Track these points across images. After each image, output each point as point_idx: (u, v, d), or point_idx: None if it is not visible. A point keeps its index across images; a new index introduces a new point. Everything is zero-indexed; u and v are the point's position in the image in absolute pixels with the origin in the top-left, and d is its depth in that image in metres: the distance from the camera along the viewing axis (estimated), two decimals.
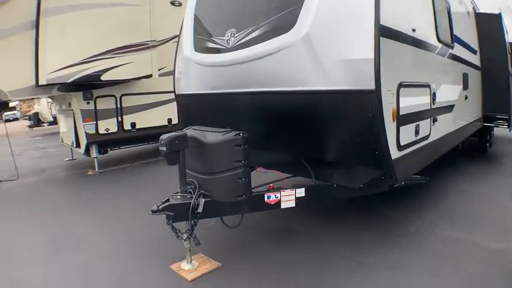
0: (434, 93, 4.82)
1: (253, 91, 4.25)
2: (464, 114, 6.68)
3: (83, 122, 8.71)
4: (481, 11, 7.84)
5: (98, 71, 8.07)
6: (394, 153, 3.66)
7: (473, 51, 7.18)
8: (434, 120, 4.88)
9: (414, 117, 4.21)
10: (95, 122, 8.86)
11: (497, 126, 8.38)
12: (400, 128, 3.78)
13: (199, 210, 3.71)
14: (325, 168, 4.42)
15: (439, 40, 4.99)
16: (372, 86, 3.29)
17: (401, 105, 3.78)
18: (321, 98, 3.71)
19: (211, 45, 4.54)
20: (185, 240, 3.83)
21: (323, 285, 3.56)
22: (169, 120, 9.99)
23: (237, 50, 4.17)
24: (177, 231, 3.81)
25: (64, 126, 10.03)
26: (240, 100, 4.49)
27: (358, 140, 3.66)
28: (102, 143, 9.27)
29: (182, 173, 3.79)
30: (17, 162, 9.26)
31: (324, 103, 3.74)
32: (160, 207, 3.65)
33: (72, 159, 11.00)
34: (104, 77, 8.22)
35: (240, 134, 3.82)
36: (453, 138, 6.17)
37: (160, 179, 7.21)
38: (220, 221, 4.17)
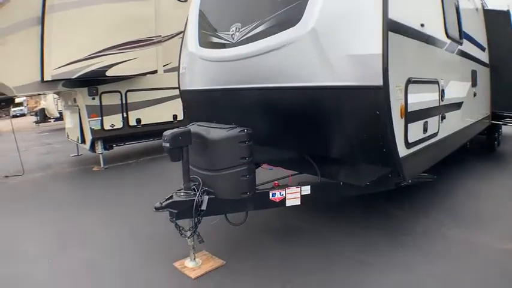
0: (442, 90, 4.73)
1: (258, 87, 4.18)
2: (473, 112, 6.58)
3: (88, 117, 8.71)
4: (490, 7, 7.72)
5: (103, 67, 8.05)
6: (402, 151, 3.58)
7: (482, 48, 7.07)
8: (443, 118, 4.79)
9: (422, 114, 4.13)
10: (100, 118, 8.85)
11: (505, 124, 8.26)
12: (408, 125, 3.70)
13: (203, 207, 3.67)
14: (331, 166, 4.35)
15: (447, 36, 4.89)
16: (379, 82, 3.21)
17: (409, 102, 3.69)
18: (328, 94, 3.64)
19: (216, 40, 4.48)
20: (189, 237, 3.79)
21: (328, 285, 3.50)
22: (175, 117, 9.95)
23: (242, 44, 4.11)
24: (181, 228, 3.77)
25: (70, 122, 10.05)
26: (245, 96, 4.43)
27: (365, 137, 3.59)
28: (108, 138, 9.27)
29: (186, 170, 3.74)
30: (24, 157, 9.29)
31: (330, 99, 3.67)
32: (164, 204, 3.61)
33: (78, 155, 11.04)
34: (109, 73, 8.20)
35: (244, 130, 3.77)
36: (462, 136, 6.08)
37: (165, 175, 7.18)
38: (225, 219, 4.11)
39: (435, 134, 4.54)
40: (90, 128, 8.76)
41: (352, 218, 5.01)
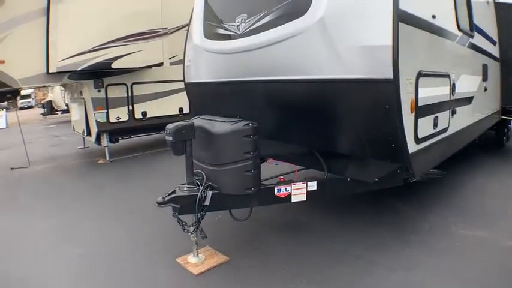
0: (453, 84, 4.60)
1: (264, 79, 4.08)
2: (483, 107, 6.44)
3: (94, 110, 8.67)
4: (501, 0, 7.55)
5: (109, 59, 8.00)
6: (412, 147, 3.47)
7: (493, 42, 6.91)
8: (454, 112, 4.67)
9: (433, 108, 4.00)
10: (105, 111, 8.80)
11: None
12: (419, 120, 3.57)
13: (207, 202, 3.60)
14: (338, 161, 4.25)
15: (459, 28, 4.75)
16: (389, 75, 3.08)
17: (420, 96, 3.57)
18: (336, 87, 3.53)
19: (221, 31, 4.38)
20: (192, 233, 3.72)
21: (334, 285, 3.41)
22: (181, 110, 9.86)
23: (247, 36, 4.00)
24: (184, 223, 3.69)
25: (75, 114, 10.01)
26: (250, 89, 4.33)
27: (374, 132, 3.47)
28: (113, 131, 9.24)
29: (189, 164, 3.67)
30: (30, 150, 9.31)
31: (338, 92, 3.55)
32: (166, 199, 3.54)
33: (84, 148, 11.04)
34: (114, 65, 8.14)
35: (249, 124, 3.67)
36: (472, 131, 5.95)
37: (171, 168, 7.11)
38: (229, 214, 4.04)
39: (445, 129, 4.42)
40: (96, 120, 8.72)
41: (359, 213, 4.92)
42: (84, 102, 8.88)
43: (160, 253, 4.08)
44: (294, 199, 3.99)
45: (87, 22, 7.61)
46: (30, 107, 36.54)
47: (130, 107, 9.21)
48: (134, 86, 9.17)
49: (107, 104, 8.80)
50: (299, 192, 3.98)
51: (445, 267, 3.58)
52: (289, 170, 4.66)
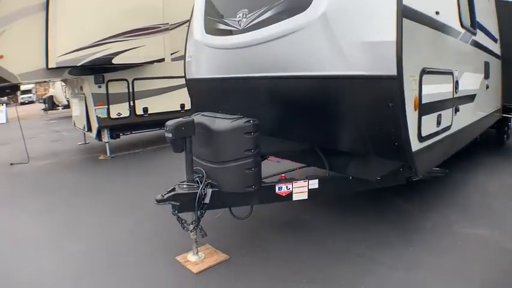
0: (457, 82, 4.54)
1: (265, 76, 4.03)
2: (485, 105, 6.39)
3: (95, 106, 8.63)
4: None
5: (109, 54, 7.93)
6: (415, 145, 3.41)
7: (494, 39, 6.85)
8: (457, 110, 4.61)
9: (436, 106, 3.95)
10: (106, 106, 8.76)
11: None
12: (422, 117, 3.52)
13: (206, 200, 3.55)
14: (340, 159, 4.19)
15: (462, 25, 4.69)
16: (393, 71, 3.03)
17: (423, 93, 3.51)
18: (338, 83, 3.46)
19: (222, 26, 4.33)
20: (191, 231, 3.67)
21: (335, 283, 3.36)
22: (182, 106, 9.80)
23: (248, 31, 3.94)
24: (183, 221, 3.65)
25: (76, 110, 9.99)
26: (252, 85, 4.28)
27: (377, 130, 3.41)
28: (114, 127, 9.21)
29: (189, 161, 3.62)
30: (31, 145, 9.30)
31: (340, 89, 3.49)
32: (165, 196, 3.50)
33: (85, 144, 11.00)
34: (115, 61, 8.07)
35: (250, 121, 3.61)
36: (474, 130, 5.90)
37: (172, 165, 7.05)
38: (229, 212, 3.99)
39: (448, 127, 4.37)
40: (97, 116, 8.68)
41: (361, 211, 4.88)
42: (85, 97, 8.81)
43: (160, 251, 4.04)
44: (295, 197, 3.94)
45: (87, 17, 7.55)
46: (31, 102, 36.52)
47: (132, 103, 9.16)
48: (135, 81, 9.12)
49: (107, 99, 8.76)
50: (300, 190, 3.93)
51: (446, 266, 3.54)
52: (290, 167, 4.61)
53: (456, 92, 4.55)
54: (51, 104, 21.96)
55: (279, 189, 3.87)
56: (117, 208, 5.46)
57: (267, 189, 3.85)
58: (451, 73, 4.39)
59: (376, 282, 3.34)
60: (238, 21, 4.05)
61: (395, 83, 3.05)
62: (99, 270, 3.75)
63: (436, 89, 3.92)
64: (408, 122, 3.20)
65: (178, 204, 3.52)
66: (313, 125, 3.99)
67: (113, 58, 8.00)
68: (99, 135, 9.01)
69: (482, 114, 6.20)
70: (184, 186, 3.62)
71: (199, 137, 3.69)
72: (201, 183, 3.60)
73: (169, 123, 3.49)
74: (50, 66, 7.49)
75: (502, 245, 3.91)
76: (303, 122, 4.07)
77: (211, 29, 4.55)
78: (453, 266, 3.54)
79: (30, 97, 37.11)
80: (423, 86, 3.50)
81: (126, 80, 8.98)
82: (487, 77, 6.21)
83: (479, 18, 5.51)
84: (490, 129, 7.52)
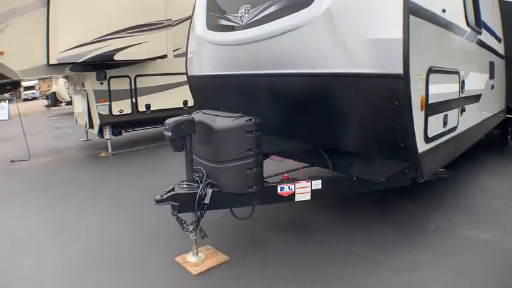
0: (463, 81, 4.45)
1: (267, 73, 3.94)
2: (490, 105, 6.30)
3: (96, 102, 8.57)
4: None
5: (111, 51, 7.85)
6: (421, 146, 3.32)
7: (498, 39, 6.75)
8: (463, 111, 4.53)
9: (443, 106, 3.86)
10: (108, 103, 8.71)
11: None
12: (429, 118, 3.43)
13: (206, 201, 3.47)
14: (344, 159, 4.11)
15: (468, 24, 4.60)
16: (399, 70, 2.93)
17: (430, 93, 3.42)
18: (342, 82, 3.37)
19: (224, 22, 4.25)
20: (191, 232, 3.60)
21: (336, 285, 3.29)
22: (185, 103, 9.72)
23: (251, 27, 3.86)
24: (183, 222, 3.57)
25: (78, 106, 9.93)
26: (254, 82, 4.19)
27: (382, 130, 3.32)
28: (116, 124, 9.15)
29: (189, 161, 3.54)
30: (33, 142, 9.26)
31: (345, 87, 3.40)
32: (165, 196, 3.42)
33: (87, 140, 10.96)
34: (117, 57, 8.00)
35: (252, 119, 3.52)
36: (479, 130, 5.80)
37: (174, 162, 6.98)
38: (230, 212, 3.92)
39: (454, 128, 4.28)
40: (98, 113, 8.63)
41: (364, 211, 4.80)
42: (87, 94, 8.76)
43: (159, 251, 3.98)
44: (297, 198, 3.86)
45: (88, 13, 7.46)
46: (34, 98, 36.50)
47: (134, 100, 9.10)
48: (138, 78, 9.06)
49: (109, 96, 8.70)
50: (303, 191, 3.85)
51: (449, 268, 3.46)
52: (293, 167, 4.54)
53: (462, 92, 4.46)
54: (53, 100, 21.96)
55: (281, 190, 3.79)
56: (117, 206, 5.40)
57: (268, 189, 3.77)
58: (457, 72, 4.30)
59: (377, 284, 3.28)
60: (241, 17, 3.97)
61: (401, 82, 2.95)
62: (96, 270, 3.69)
63: (442, 89, 3.83)
64: (415, 122, 3.11)
65: (177, 204, 3.45)
66: (316, 124, 3.90)
67: (114, 54, 7.92)
68: (101, 132, 8.97)
69: (487, 115, 6.12)
70: (184, 186, 3.54)
71: (200, 135, 3.61)
72: (201, 183, 3.52)
73: (169, 121, 3.42)
74: (51, 63, 7.41)
75: (504, 246, 3.84)
76: (306, 120, 3.98)
77: (213, 24, 4.47)
78: (455, 268, 3.47)
79: (33, 93, 37.10)
80: (430, 86, 3.41)
81: (128, 76, 8.91)
82: (492, 77, 6.13)
83: (484, 17, 5.42)
84: (493, 130, 7.43)
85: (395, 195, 5.08)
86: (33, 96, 36.95)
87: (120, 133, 9.72)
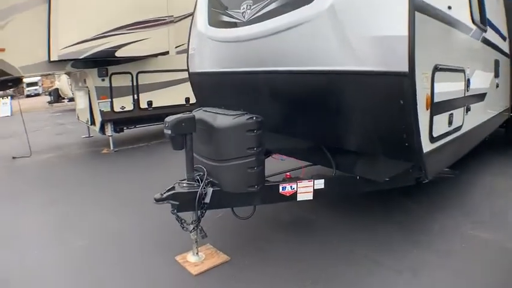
0: (468, 80, 4.38)
1: (270, 70, 3.88)
2: (495, 104, 6.20)
3: (98, 99, 8.54)
4: None
5: (112, 47, 7.80)
6: (426, 146, 3.24)
7: (503, 38, 6.65)
8: (468, 110, 4.45)
9: (448, 105, 3.78)
10: (110, 100, 8.67)
11: None
12: (434, 117, 3.35)
13: (207, 200, 3.41)
14: (347, 158, 4.04)
15: (473, 22, 4.52)
16: (404, 67, 2.85)
17: (435, 92, 3.34)
18: (346, 79, 3.30)
19: (226, 18, 4.18)
20: (191, 231, 3.55)
21: (338, 286, 3.25)
22: (187, 99, 9.66)
23: (253, 23, 3.79)
24: (183, 221, 3.52)
25: (80, 103, 9.87)
26: (256, 80, 4.13)
27: (386, 129, 3.25)
28: (118, 121, 9.13)
29: (189, 159, 3.48)
30: (35, 138, 9.27)
31: (348, 85, 3.33)
32: (164, 195, 3.37)
33: (89, 137, 10.94)
34: (118, 53, 7.95)
35: (253, 117, 3.45)
36: (484, 130, 5.71)
37: (176, 160, 6.93)
38: (231, 211, 3.86)
39: (459, 128, 4.20)
40: (100, 109, 8.60)
41: (367, 211, 4.73)
42: (89, 91, 8.73)
43: (160, 249, 3.93)
44: (299, 197, 3.80)
45: (90, 9, 7.43)
46: (37, 94, 36.59)
47: (136, 97, 9.06)
48: (139, 75, 9.02)
49: (111, 93, 8.66)
50: (305, 190, 3.79)
51: (452, 269, 3.41)
52: (295, 166, 4.48)
53: (468, 91, 4.38)
54: (56, 96, 21.97)
55: (282, 189, 3.73)
56: (118, 203, 5.37)
57: (270, 189, 3.71)
58: (462, 71, 4.22)
59: (379, 284, 3.23)
60: (243, 13, 3.90)
61: (406, 80, 2.87)
62: (97, 267, 3.68)
63: (448, 87, 3.75)
64: (419, 122, 3.03)
65: (177, 203, 3.39)
66: (318, 122, 3.84)
67: (116, 51, 7.87)
68: (102, 129, 8.94)
69: (492, 114, 6.03)
70: (184, 184, 3.49)
71: (201, 133, 3.55)
72: (202, 182, 3.46)
73: (169, 119, 3.36)
74: (52, 59, 7.39)
75: (508, 246, 3.78)
76: (309, 119, 3.91)
77: (215, 21, 4.41)
78: (458, 268, 3.42)
79: (36, 89, 37.19)
80: (435, 84, 3.33)
81: (130, 73, 8.88)
82: (497, 75, 6.04)
83: (489, 15, 5.34)
84: (498, 129, 7.35)
85: (399, 194, 5.01)
86: (36, 92, 37.02)
87: (121, 130, 9.69)
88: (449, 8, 3.67)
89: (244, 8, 3.88)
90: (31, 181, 6.87)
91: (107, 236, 4.34)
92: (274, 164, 4.54)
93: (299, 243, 3.99)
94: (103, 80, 8.50)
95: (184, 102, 9.65)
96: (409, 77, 2.86)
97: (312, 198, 3.84)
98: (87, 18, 7.42)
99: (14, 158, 8.59)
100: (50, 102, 22.61)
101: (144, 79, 9.10)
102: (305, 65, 3.54)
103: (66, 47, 7.28)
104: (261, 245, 3.99)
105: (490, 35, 5.46)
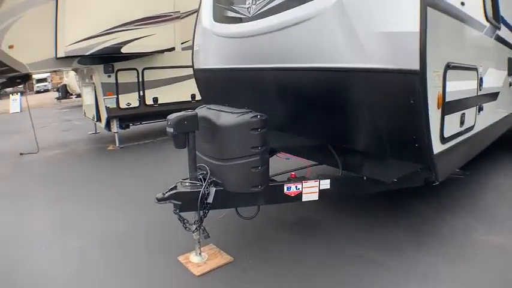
0: (481, 78, 4.24)
1: (275, 67, 3.79)
2: (508, 103, 6.03)
3: (104, 95, 8.53)
4: None
5: (119, 43, 7.76)
6: (437, 147, 3.13)
7: None
8: (480, 109, 4.32)
9: (460, 104, 3.66)
10: (115, 96, 8.65)
11: None
12: (445, 117, 3.23)
13: (209, 200, 3.33)
14: (354, 157, 3.95)
15: (486, 19, 4.38)
16: (415, 65, 2.74)
17: (447, 90, 3.22)
18: (353, 77, 3.20)
19: (231, 14, 4.10)
20: (194, 232, 3.47)
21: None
22: (193, 96, 9.57)
23: (258, 19, 3.70)
24: (185, 221, 3.45)
25: (86, 99, 9.86)
26: (261, 77, 4.04)
27: (396, 130, 3.15)
28: (124, 117, 9.10)
29: (192, 158, 3.40)
30: (42, 134, 9.31)
31: (356, 83, 3.22)
32: (167, 195, 3.29)
33: (96, 133, 10.95)
34: (124, 50, 7.90)
35: (257, 116, 3.35)
36: (496, 130, 5.56)
37: (181, 157, 6.88)
38: (234, 211, 3.78)
39: (471, 128, 4.07)
40: (106, 106, 8.58)
41: (374, 212, 4.61)
42: (95, 87, 8.71)
43: (163, 249, 3.88)
44: (304, 198, 3.71)
45: (96, 5, 7.40)
46: (47, 90, 36.89)
47: (141, 93, 9.02)
48: (145, 71, 8.97)
49: (117, 89, 8.64)
50: (311, 190, 3.69)
51: (461, 276, 3.29)
52: (301, 165, 4.40)
53: (480, 90, 4.25)
54: (64, 92, 22.05)
55: (287, 189, 3.63)
56: (124, 201, 5.35)
57: (274, 189, 3.62)
58: (475, 69, 4.09)
59: None
60: (248, 8, 3.82)
61: (417, 78, 2.76)
62: (100, 266, 3.66)
63: (460, 86, 3.63)
64: (430, 122, 2.92)
65: (180, 203, 3.32)
66: (325, 121, 3.75)
67: (122, 47, 7.83)
68: (108, 125, 8.93)
69: (505, 113, 5.87)
70: (187, 184, 3.41)
71: (204, 131, 3.47)
72: (205, 181, 3.38)
73: (171, 116, 3.29)
74: (58, 56, 7.39)
75: None
76: (315, 117, 3.82)
77: (220, 16, 4.33)
78: (469, 277, 3.29)
79: (45, 86, 37.52)
80: (447, 83, 3.21)
81: (135, 69, 8.84)
82: (510, 74, 5.87)
83: (502, 12, 5.19)
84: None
85: (407, 195, 4.88)
86: (46, 88, 37.32)
87: (127, 126, 9.66)
88: (462, 4, 3.55)
89: (249, 3, 3.80)
90: (38, 177, 6.89)
91: (112, 233, 4.32)
92: (279, 163, 4.45)
93: (304, 244, 3.91)
94: (109, 76, 8.48)
95: (190, 99, 9.58)
96: (420, 75, 2.75)
97: (317, 198, 3.74)
98: (93, 14, 7.38)
99: (21, 154, 8.63)
100: (58, 98, 22.72)
101: (149, 75, 9.05)
102: (311, 61, 3.44)
103: (73, 44, 7.25)
104: (265, 245, 3.92)
105: (504, 32, 5.31)
